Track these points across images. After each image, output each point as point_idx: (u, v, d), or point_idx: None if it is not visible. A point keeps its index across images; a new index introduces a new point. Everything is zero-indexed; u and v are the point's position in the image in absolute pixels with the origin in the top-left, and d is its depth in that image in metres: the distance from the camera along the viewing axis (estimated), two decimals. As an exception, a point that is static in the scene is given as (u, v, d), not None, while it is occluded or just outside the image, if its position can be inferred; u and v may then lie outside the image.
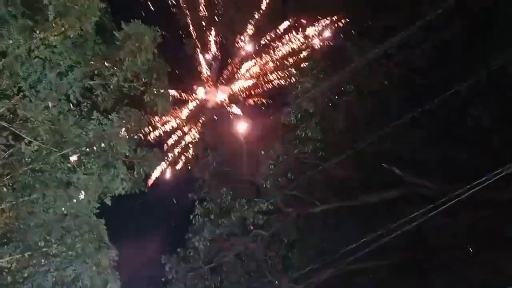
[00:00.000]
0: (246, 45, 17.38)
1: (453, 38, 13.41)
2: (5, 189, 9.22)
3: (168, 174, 16.31)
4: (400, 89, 14.99)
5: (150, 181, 13.90)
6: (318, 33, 16.99)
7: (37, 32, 9.67)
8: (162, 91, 13.15)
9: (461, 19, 12.78)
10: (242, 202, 15.24)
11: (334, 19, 16.16)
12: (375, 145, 14.25)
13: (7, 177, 9.34)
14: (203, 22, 16.38)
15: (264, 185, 15.38)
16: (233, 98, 21.07)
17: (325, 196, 15.61)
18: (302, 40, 18.59)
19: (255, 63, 20.30)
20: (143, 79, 12.86)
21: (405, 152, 14.68)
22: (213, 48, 18.82)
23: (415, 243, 14.37)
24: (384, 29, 14.35)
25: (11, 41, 9.50)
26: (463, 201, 10.43)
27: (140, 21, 11.45)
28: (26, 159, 9.64)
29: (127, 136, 12.35)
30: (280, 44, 18.59)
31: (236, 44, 17.26)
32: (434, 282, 14.36)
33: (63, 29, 9.81)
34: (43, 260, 9.02)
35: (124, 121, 12.43)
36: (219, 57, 21.08)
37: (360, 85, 15.37)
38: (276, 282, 15.15)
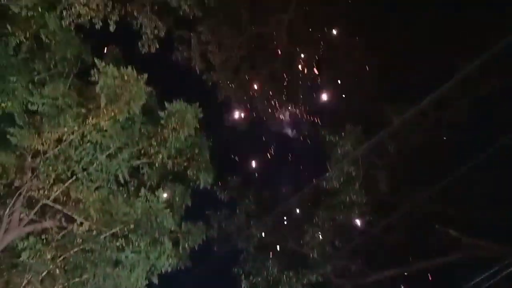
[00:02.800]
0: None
1: (491, 93, 13.24)
2: (58, 271, 9.38)
3: (212, 247, 16.07)
4: (444, 146, 14.64)
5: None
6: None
7: (90, 118, 10.45)
8: (204, 165, 13.52)
9: (498, 74, 12.67)
10: (289, 274, 14.66)
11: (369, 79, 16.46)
12: (425, 207, 13.64)
13: (60, 259, 9.55)
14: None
15: (311, 255, 14.81)
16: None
17: (377, 263, 14.78)
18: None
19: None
20: (186, 154, 13.42)
21: (459, 213, 13.92)
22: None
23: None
24: (420, 86, 14.39)
25: (66, 129, 10.28)
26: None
27: (182, 99, 12.15)
28: (78, 240, 9.90)
29: (172, 212, 12.61)
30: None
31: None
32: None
33: (113, 114, 10.54)
34: None
35: (169, 197, 12.82)
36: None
37: (402, 145, 15.13)
38: None
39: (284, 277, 14.56)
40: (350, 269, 14.83)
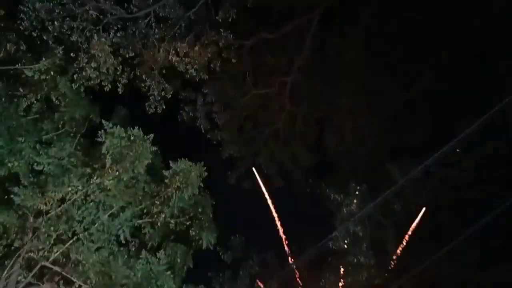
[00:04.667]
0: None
1: (494, 153, 13.31)
2: None
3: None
4: (449, 206, 14.47)
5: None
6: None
7: (94, 178, 10.45)
8: (207, 224, 13.27)
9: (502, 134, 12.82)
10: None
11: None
12: (433, 269, 13.19)
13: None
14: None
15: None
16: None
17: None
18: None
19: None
20: (189, 214, 13.21)
21: (465, 275, 13.48)
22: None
23: None
24: (423, 146, 14.49)
25: (70, 188, 10.25)
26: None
27: (186, 158, 12.18)
28: (76, 305, 9.52)
29: (173, 274, 12.19)
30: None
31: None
32: None
33: (117, 173, 10.56)
34: None
35: (170, 258, 12.45)
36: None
37: (407, 204, 15.01)
38: None
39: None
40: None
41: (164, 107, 13.66)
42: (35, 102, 10.99)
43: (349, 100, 16.19)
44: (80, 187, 10.26)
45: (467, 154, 13.48)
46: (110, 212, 10.83)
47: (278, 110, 16.84)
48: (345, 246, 15.07)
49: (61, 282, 9.92)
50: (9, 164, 9.97)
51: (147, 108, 13.62)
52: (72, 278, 9.79)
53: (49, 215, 9.82)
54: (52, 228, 9.69)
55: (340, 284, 15.28)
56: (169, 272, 11.67)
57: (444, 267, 13.61)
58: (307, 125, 17.08)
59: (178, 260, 12.81)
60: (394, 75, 15.02)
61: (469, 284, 13.38)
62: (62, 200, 10.21)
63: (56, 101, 11.34)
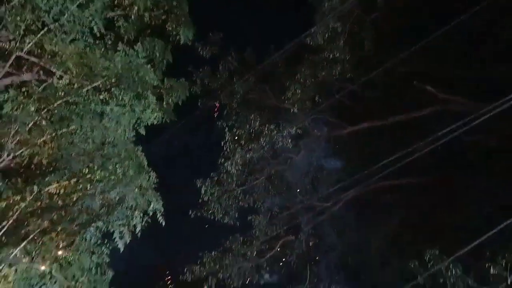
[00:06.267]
0: None
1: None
2: (44, 122, 9.64)
3: (196, 103, 16.46)
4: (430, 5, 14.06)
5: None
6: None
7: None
8: (184, 19, 12.92)
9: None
10: (270, 127, 15.42)
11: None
12: (405, 65, 13.73)
13: (44, 111, 9.73)
14: None
15: (292, 110, 15.38)
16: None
17: (354, 118, 15.52)
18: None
19: None
20: (163, 7, 12.67)
21: (437, 71, 14.14)
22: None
23: (446, 161, 14.32)
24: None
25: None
26: (496, 116, 10.09)
27: None
28: (60, 93, 9.94)
29: (154, 67, 12.49)
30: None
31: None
32: (463, 201, 14.38)
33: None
34: (88, 185, 9.66)
35: (149, 52, 12.52)
36: None
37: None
38: (306, 201, 15.73)
39: (266, 130, 15.36)
40: (328, 123, 15.61)
41: None
42: None
43: None
44: (39, -28, 9.37)
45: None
46: (78, 2, 10.30)
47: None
48: (323, 42, 15.13)
49: (41, 72, 10.10)
50: None
51: None
52: (51, 69, 9.93)
53: (12, 3, 9.23)
54: (18, 18, 9.25)
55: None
56: (149, 66, 11.92)
57: (417, 64, 14.12)
58: None
59: (157, 55, 12.92)
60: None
61: (436, 80, 14.10)
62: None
63: None
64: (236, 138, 15.57)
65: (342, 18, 15.26)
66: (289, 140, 15.17)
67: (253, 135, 15.50)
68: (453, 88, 13.96)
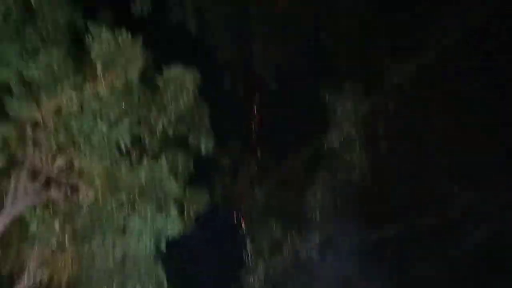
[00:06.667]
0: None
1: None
2: (66, 240, 9.47)
3: (217, 212, 16.25)
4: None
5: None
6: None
7: (88, 86, 10.21)
8: (205, 131, 13.43)
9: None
10: (292, 235, 14.95)
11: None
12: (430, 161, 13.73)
13: (68, 229, 9.62)
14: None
15: (314, 217, 15.03)
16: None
17: (378, 222, 15.05)
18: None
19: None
20: (186, 121, 13.30)
21: (462, 168, 14.05)
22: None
23: None
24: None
25: (64, 98, 10.06)
26: None
27: (179, 64, 11.86)
28: (85, 209, 9.94)
29: (176, 178, 12.65)
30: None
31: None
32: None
33: (110, 80, 10.32)
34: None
35: (172, 164, 12.81)
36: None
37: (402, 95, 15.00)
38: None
39: (288, 238, 14.85)
40: (354, 229, 15.08)
41: (152, 8, 13.00)
42: (13, 8, 10.28)
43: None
44: (74, 97, 10.06)
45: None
46: (108, 121, 10.87)
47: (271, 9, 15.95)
48: (338, 145, 15.38)
49: (69, 190, 10.22)
50: (-2, 74, 9.62)
51: (133, 9, 12.96)
52: (78, 185, 10.06)
53: (47, 126, 9.75)
54: (51, 139, 9.68)
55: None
56: (171, 177, 12.08)
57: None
58: (303, 25, 16.34)
59: (180, 166, 13.18)
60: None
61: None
62: (58, 111, 10.11)
63: (35, 4, 10.57)
64: (257, 248, 15.03)
65: (356, 123, 15.70)
66: (314, 250, 14.56)
67: (275, 244, 14.97)
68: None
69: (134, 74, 10.74)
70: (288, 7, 15.89)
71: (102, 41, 10.04)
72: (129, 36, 10.39)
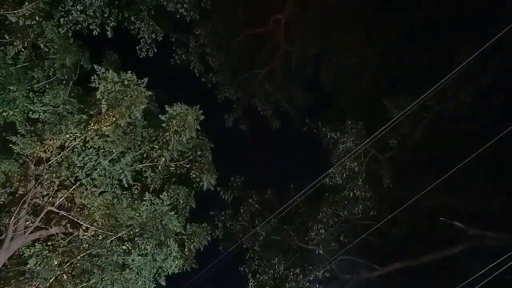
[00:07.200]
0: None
1: (493, 83, 13.27)
2: (65, 277, 9.44)
3: (218, 248, 16.11)
4: (447, 138, 14.64)
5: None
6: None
7: (92, 124, 10.50)
8: (207, 166, 13.53)
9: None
10: (296, 271, 14.69)
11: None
12: (429, 200, 13.63)
13: (67, 265, 9.61)
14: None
15: (317, 251, 14.82)
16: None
17: (383, 257, 14.78)
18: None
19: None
20: (188, 157, 13.44)
21: (463, 204, 13.94)
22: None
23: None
24: (418, 79, 14.43)
25: (68, 135, 10.34)
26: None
27: (182, 102, 12.15)
28: (84, 245, 9.95)
29: (177, 214, 12.66)
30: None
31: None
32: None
33: (114, 119, 10.59)
34: None
35: (173, 200, 12.86)
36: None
37: (403, 139, 15.15)
38: None
39: (291, 274, 14.59)
40: (357, 265, 14.82)
41: (156, 51, 13.46)
42: (23, 50, 10.79)
43: (344, 36, 15.85)
44: (78, 134, 10.33)
45: (463, 85, 13.44)
46: (110, 157, 11.03)
47: (272, 49, 16.52)
48: (341, 181, 15.38)
49: (68, 225, 10.29)
50: (4, 114, 9.97)
51: (139, 52, 13.44)
52: (79, 221, 10.14)
53: (50, 162, 9.97)
54: (54, 175, 9.87)
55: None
56: (172, 212, 12.10)
57: (440, 198, 14.03)
58: (303, 64, 16.83)
59: (181, 201, 13.21)
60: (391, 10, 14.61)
61: (463, 213, 13.81)
62: (62, 148, 10.34)
63: (45, 48, 11.09)
64: (260, 284, 14.74)
65: (358, 158, 15.74)
66: (317, 285, 14.26)
67: (277, 280, 14.69)
68: (485, 222, 13.50)
69: (138, 113, 11.01)
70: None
71: (107, 81, 10.39)
72: (134, 76, 10.76)
